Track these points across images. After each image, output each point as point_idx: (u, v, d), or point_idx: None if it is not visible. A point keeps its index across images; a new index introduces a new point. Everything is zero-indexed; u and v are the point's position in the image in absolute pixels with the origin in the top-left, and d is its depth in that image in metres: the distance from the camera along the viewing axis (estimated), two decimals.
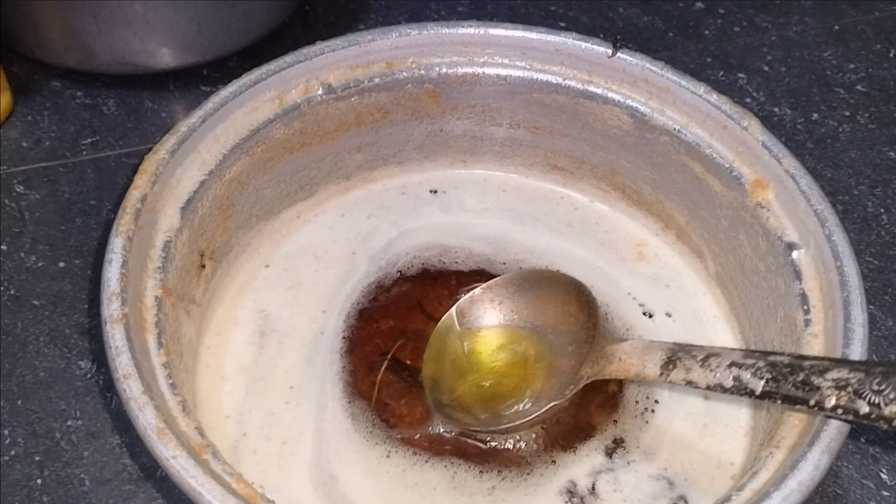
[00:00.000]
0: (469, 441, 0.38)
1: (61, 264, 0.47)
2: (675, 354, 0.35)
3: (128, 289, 0.33)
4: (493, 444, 0.38)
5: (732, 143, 0.40)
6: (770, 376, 0.31)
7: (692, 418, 0.39)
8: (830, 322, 0.34)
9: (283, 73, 0.41)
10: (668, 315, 0.43)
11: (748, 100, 0.57)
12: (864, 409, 0.28)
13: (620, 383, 0.40)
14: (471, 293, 0.40)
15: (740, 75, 0.58)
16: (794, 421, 0.32)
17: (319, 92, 0.42)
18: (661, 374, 0.35)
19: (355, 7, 0.62)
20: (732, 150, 0.40)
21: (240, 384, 0.40)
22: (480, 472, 0.37)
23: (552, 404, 0.37)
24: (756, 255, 0.39)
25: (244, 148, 0.40)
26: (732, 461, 0.38)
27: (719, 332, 0.42)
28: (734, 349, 0.34)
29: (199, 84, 0.56)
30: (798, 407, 0.30)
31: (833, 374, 0.29)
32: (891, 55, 0.60)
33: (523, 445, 0.38)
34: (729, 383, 0.32)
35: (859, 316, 0.33)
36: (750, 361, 0.32)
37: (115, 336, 0.32)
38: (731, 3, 0.63)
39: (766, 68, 0.59)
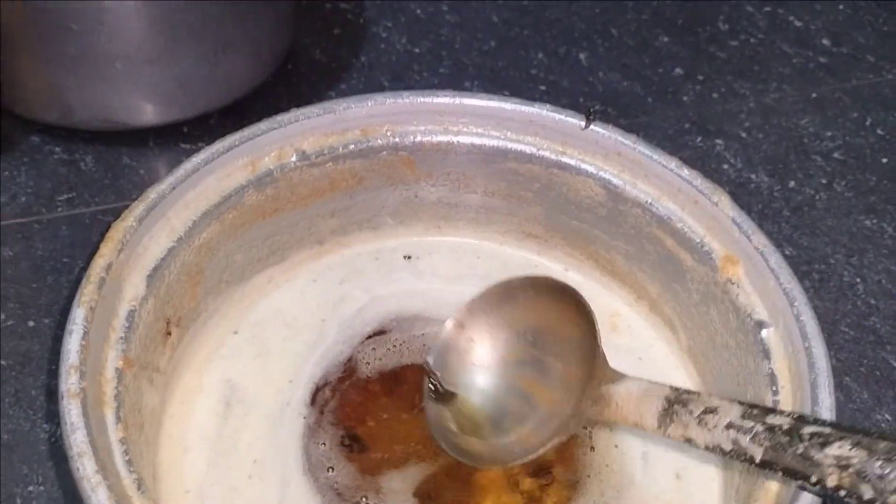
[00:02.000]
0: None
1: (30, 323, 0.47)
2: (672, 406, 0.34)
3: (87, 361, 0.33)
4: None
5: (703, 218, 0.40)
6: (769, 444, 0.30)
7: (663, 499, 0.38)
8: (798, 405, 0.34)
9: (257, 139, 0.41)
10: None
11: (725, 166, 0.57)
12: (868, 494, 0.28)
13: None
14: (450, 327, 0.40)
15: (718, 141, 0.59)
16: (771, 485, 0.32)
17: (293, 159, 0.42)
18: (659, 426, 0.34)
19: (337, 67, 0.63)
20: (703, 225, 0.40)
21: (202, 456, 0.39)
22: None
23: (557, 440, 0.37)
24: (727, 331, 0.39)
25: (215, 214, 0.40)
26: None
27: None
28: (732, 403, 0.33)
29: (179, 141, 0.56)
30: (800, 483, 0.30)
31: (835, 450, 0.29)
32: (867, 123, 0.60)
33: None
34: (728, 446, 0.32)
35: (826, 399, 0.33)
36: (748, 424, 0.31)
37: (71, 412, 0.31)
38: (709, 69, 0.64)
39: (744, 135, 0.59)
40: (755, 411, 0.32)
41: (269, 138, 0.41)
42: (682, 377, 0.42)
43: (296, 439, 0.40)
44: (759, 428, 0.31)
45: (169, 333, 0.39)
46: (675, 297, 0.42)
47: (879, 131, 0.60)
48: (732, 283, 0.39)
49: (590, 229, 0.44)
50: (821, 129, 0.60)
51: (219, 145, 0.40)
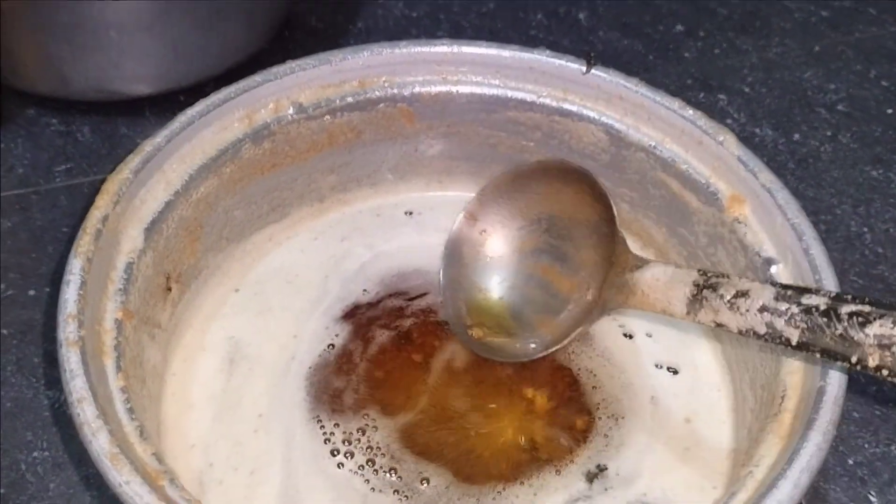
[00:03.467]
0: (444, 469, 0.37)
1: (31, 292, 0.46)
2: (701, 292, 0.33)
3: (86, 311, 0.33)
4: (470, 470, 0.37)
5: (708, 159, 0.39)
6: (806, 326, 0.29)
7: (673, 442, 0.38)
8: None
9: (253, 91, 0.40)
10: (649, 336, 0.42)
11: (729, 121, 0.57)
12: None
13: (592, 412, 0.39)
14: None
15: (721, 97, 0.58)
16: (774, 439, 0.31)
17: (290, 111, 0.41)
18: (689, 312, 0.34)
19: (334, 33, 0.62)
20: (708, 166, 0.39)
21: (207, 413, 0.39)
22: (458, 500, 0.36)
23: (581, 328, 0.35)
24: (736, 272, 0.38)
25: (212, 168, 0.39)
26: (715, 485, 0.36)
27: (700, 352, 0.41)
28: (765, 285, 0.32)
29: (176, 110, 0.54)
30: (840, 363, 0.29)
31: (876, 329, 0.28)
32: (871, 75, 0.59)
33: (502, 469, 0.37)
34: (762, 329, 0.31)
35: None
36: (783, 306, 0.30)
37: (70, 359, 0.31)
38: (711, 25, 0.63)
39: (747, 89, 0.59)
40: (789, 292, 0.31)
41: (265, 90, 0.40)
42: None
43: (301, 391, 0.39)
44: (795, 309, 0.30)
45: (169, 289, 0.39)
46: (681, 241, 0.41)
47: (884, 83, 0.59)
48: (740, 223, 0.38)
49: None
50: (824, 81, 0.59)
51: (214, 98, 0.39)
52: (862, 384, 0.43)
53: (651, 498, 0.36)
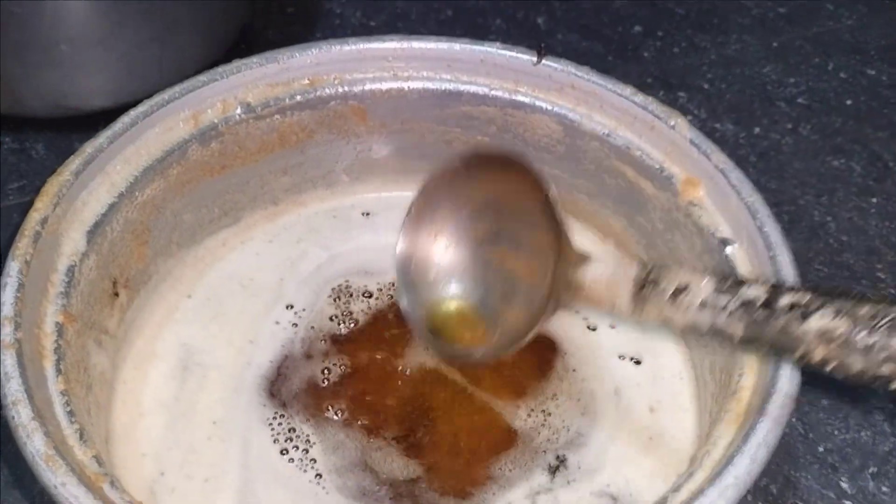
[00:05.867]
0: (406, 468, 0.36)
1: None
2: (644, 288, 0.32)
3: (23, 313, 0.32)
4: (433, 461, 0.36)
5: (661, 143, 0.39)
6: (747, 320, 0.29)
7: (637, 432, 0.37)
8: None
9: (198, 91, 0.39)
10: (612, 327, 0.41)
11: (689, 117, 0.55)
12: (858, 365, 0.26)
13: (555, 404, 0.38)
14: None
15: (681, 94, 0.58)
16: (731, 417, 0.30)
17: (238, 111, 0.41)
18: (635, 310, 0.33)
19: (292, 44, 0.61)
20: (662, 151, 0.39)
21: (159, 420, 0.37)
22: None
23: (544, 319, 0.35)
24: (693, 256, 0.38)
25: (157, 170, 0.39)
26: (679, 473, 0.35)
27: (663, 341, 0.40)
28: (704, 278, 0.31)
29: None
30: (787, 356, 0.28)
31: (816, 322, 0.27)
32: (830, 68, 0.60)
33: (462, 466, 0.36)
34: (705, 326, 0.30)
35: None
36: (722, 301, 0.30)
37: (6, 362, 0.30)
38: (669, 25, 0.63)
39: (707, 86, 0.58)
40: (728, 285, 0.30)
41: (211, 90, 0.40)
42: None
43: (258, 397, 0.38)
44: (734, 304, 0.29)
45: (116, 294, 0.38)
46: (639, 230, 0.41)
47: (842, 75, 0.59)
48: (694, 205, 0.37)
49: (550, 170, 0.43)
50: (783, 76, 0.59)
51: (158, 98, 0.39)
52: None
53: (614, 489, 0.35)
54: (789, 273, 0.33)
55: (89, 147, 0.36)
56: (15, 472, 0.38)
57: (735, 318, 0.29)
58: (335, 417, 0.38)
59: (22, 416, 0.28)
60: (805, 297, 0.28)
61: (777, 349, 0.28)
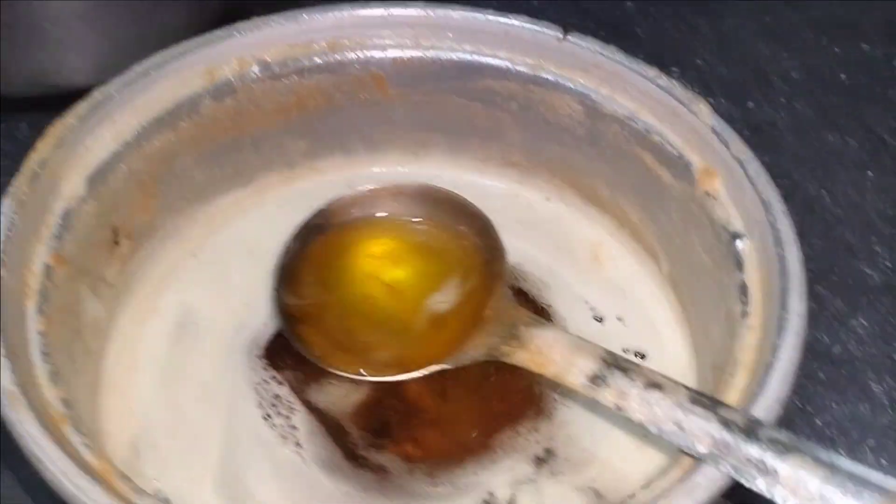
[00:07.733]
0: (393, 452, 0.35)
1: None
2: (609, 371, 0.32)
3: (11, 252, 0.32)
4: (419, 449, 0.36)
5: (682, 130, 0.37)
6: (717, 437, 0.28)
7: (632, 428, 0.36)
8: (768, 313, 0.31)
9: (214, 46, 0.39)
10: (619, 319, 0.40)
11: None
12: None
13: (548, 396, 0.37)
14: None
15: (674, 70, 0.56)
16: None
17: (255, 69, 0.40)
18: (588, 386, 0.32)
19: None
20: (682, 137, 0.37)
21: (149, 376, 0.37)
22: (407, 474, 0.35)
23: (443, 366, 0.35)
24: (704, 249, 0.36)
25: (168, 121, 0.38)
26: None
27: (669, 339, 0.39)
28: (678, 386, 0.31)
29: None
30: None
31: (790, 465, 0.27)
32: (824, 43, 0.58)
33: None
34: (668, 427, 0.29)
35: (797, 306, 0.30)
36: (697, 410, 0.29)
37: None
38: (662, 3, 0.61)
39: (700, 62, 0.57)
40: (705, 400, 0.30)
41: (227, 46, 0.39)
42: (662, 307, 0.39)
43: (248, 362, 0.38)
44: (710, 417, 0.29)
45: (117, 242, 0.38)
46: (655, 221, 0.39)
47: (836, 49, 0.57)
48: (710, 196, 0.36)
49: (570, 153, 0.42)
50: (778, 51, 0.58)
51: (173, 50, 0.38)
52: (826, 344, 0.42)
53: (600, 484, 0.34)
54: (795, 272, 0.31)
55: (98, 93, 0.36)
56: (16, 473, 0.38)
57: (706, 431, 0.29)
58: (324, 389, 0.37)
59: None
60: (783, 436, 0.28)
61: (740, 472, 0.28)
